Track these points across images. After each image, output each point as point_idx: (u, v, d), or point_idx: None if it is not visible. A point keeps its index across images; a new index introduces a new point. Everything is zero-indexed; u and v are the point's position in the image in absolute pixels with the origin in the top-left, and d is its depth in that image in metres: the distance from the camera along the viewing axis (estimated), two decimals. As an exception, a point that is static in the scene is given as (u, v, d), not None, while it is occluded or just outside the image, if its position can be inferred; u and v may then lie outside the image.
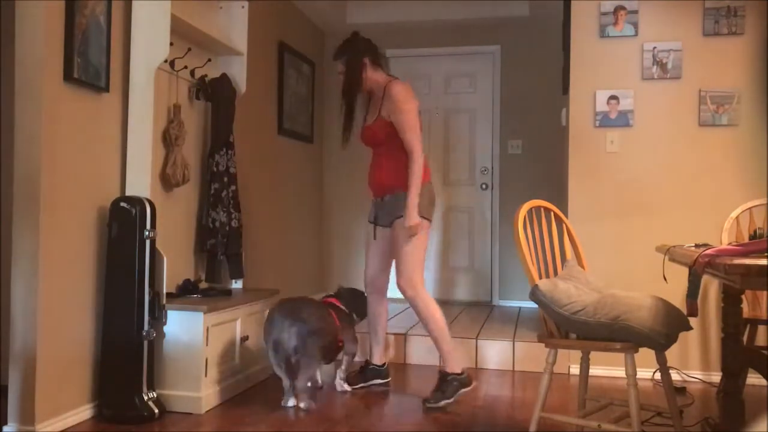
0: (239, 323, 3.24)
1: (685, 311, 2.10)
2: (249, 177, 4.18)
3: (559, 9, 4.63)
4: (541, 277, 2.43)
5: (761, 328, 3.30)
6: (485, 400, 3.17)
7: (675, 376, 3.51)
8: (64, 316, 2.67)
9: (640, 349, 2.18)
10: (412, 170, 3.05)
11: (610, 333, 2.17)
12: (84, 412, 2.78)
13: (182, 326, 2.92)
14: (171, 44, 3.05)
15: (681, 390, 3.34)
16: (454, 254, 5.64)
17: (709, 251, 1.87)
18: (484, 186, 5.60)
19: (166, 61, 3.06)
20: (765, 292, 2.98)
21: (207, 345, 2.94)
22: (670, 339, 2.15)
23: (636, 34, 3.68)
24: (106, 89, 2.85)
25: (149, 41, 2.96)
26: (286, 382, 3.02)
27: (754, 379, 3.35)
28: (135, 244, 2.80)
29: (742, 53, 3.59)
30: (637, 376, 2.21)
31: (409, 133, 3.07)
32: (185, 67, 3.37)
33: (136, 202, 2.83)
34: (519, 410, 3.04)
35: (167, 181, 3.22)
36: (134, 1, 2.98)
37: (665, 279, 2.52)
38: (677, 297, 2.98)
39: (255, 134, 4.35)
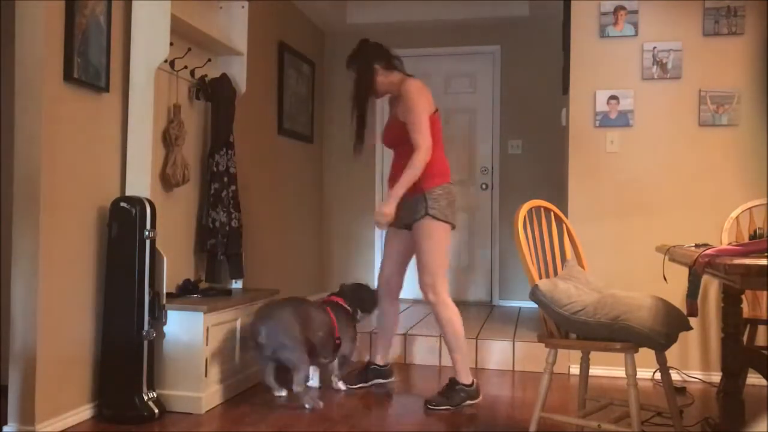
0: (239, 323, 3.24)
1: (685, 311, 2.10)
2: (249, 177, 4.18)
3: (559, 9, 4.63)
4: (541, 277, 2.43)
5: (761, 328, 3.30)
6: (485, 400, 3.17)
7: (675, 376, 3.51)
8: (64, 316, 2.67)
9: (640, 349, 2.18)
10: (410, 163, 2.98)
11: (610, 333, 2.17)
12: (84, 412, 2.78)
13: (182, 326, 2.92)
14: (171, 44, 3.05)
15: (681, 390, 3.34)
16: (454, 254, 5.64)
17: (709, 251, 1.87)
18: (484, 186, 5.60)
19: (166, 61, 3.06)
20: (765, 292, 2.98)
21: (207, 345, 2.94)
22: (670, 339, 2.15)
23: (636, 34, 3.68)
24: (106, 89, 2.85)
25: (149, 41, 2.96)
26: (274, 387, 3.09)
27: (754, 379, 3.35)
28: (135, 244, 2.80)
29: (742, 53, 3.59)
30: (637, 376, 2.21)
31: (415, 131, 3.02)
32: (185, 67, 3.37)
33: (136, 202, 2.83)
34: (519, 410, 3.04)
35: (167, 181, 3.22)
36: (134, 1, 2.98)
37: (665, 279, 2.52)
38: (677, 297, 2.98)
39: (255, 134, 4.35)
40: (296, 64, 5.10)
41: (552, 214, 2.60)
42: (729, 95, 3.59)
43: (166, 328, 2.93)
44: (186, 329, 2.92)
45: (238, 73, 3.66)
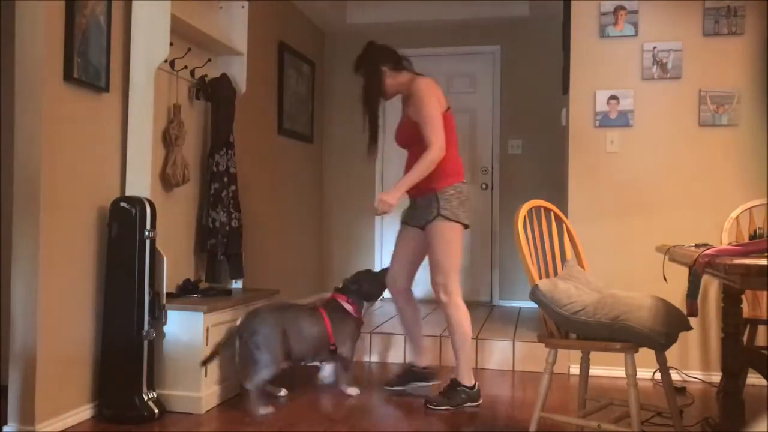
0: (239, 323, 3.24)
1: (685, 311, 2.10)
2: (249, 177, 4.18)
3: (559, 9, 4.63)
4: (541, 277, 2.43)
5: (761, 328, 3.30)
6: (485, 400, 3.16)
7: (675, 376, 3.51)
8: (64, 316, 2.67)
9: (640, 349, 2.18)
10: (422, 158, 2.95)
11: (610, 333, 2.17)
12: (84, 412, 2.78)
13: (182, 326, 2.92)
14: (171, 44, 3.05)
15: (681, 390, 3.34)
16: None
17: (709, 251, 1.87)
18: (484, 186, 5.60)
19: (166, 61, 3.06)
20: (765, 292, 2.98)
21: (207, 345, 2.94)
22: (670, 339, 2.15)
23: (636, 34, 3.68)
24: (106, 89, 2.85)
25: (149, 41, 2.96)
26: (272, 387, 3.10)
27: (754, 379, 3.35)
28: (135, 244, 2.80)
29: (742, 53, 3.59)
30: (637, 376, 2.21)
31: (426, 127, 2.99)
32: (185, 67, 3.37)
33: (136, 202, 2.83)
34: (519, 410, 3.04)
35: (167, 181, 3.22)
36: (134, 1, 2.98)
37: (665, 279, 2.52)
38: (677, 297, 2.98)
39: (255, 134, 4.35)
40: (296, 64, 5.11)
41: (552, 214, 2.60)
42: (729, 95, 3.59)
43: (166, 328, 2.93)
44: (186, 329, 2.92)
45: (238, 73, 3.66)
